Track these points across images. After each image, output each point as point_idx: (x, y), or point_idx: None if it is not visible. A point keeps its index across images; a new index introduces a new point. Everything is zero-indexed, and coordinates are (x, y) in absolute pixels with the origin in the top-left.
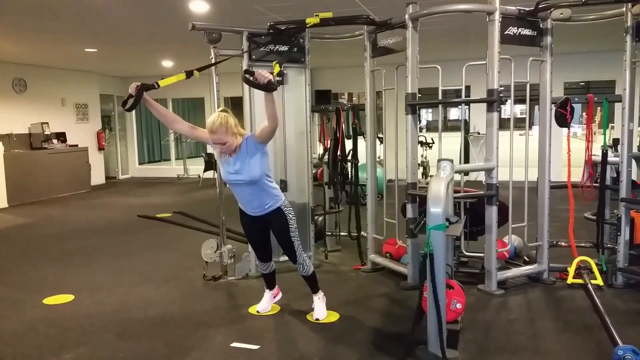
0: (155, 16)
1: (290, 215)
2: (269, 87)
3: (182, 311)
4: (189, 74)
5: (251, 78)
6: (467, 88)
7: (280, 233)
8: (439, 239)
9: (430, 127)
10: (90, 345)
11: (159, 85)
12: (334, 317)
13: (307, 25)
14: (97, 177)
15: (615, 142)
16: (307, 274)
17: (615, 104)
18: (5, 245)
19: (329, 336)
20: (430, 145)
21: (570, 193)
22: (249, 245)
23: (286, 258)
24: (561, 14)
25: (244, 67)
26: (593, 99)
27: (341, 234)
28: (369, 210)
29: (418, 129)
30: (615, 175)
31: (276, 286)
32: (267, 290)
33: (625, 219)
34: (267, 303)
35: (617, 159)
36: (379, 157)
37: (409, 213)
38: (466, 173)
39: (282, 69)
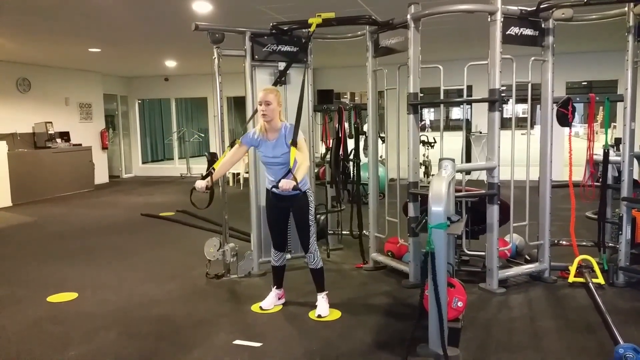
0: (158, 16)
1: (311, 199)
2: (298, 192)
3: (185, 309)
4: (232, 144)
5: (277, 191)
6: (469, 88)
7: (300, 214)
8: (440, 237)
9: (432, 126)
10: (94, 343)
11: (214, 169)
12: (336, 315)
13: (311, 29)
14: (101, 176)
15: (617, 141)
16: (316, 267)
17: (617, 103)
18: (9, 243)
19: (331, 334)
20: (432, 144)
21: (571, 192)
22: (252, 244)
23: (289, 256)
24: (563, 14)
25: (247, 69)
26: (595, 98)
27: (343, 232)
28: (370, 209)
29: (424, 129)
30: (616, 175)
31: (282, 288)
32: (274, 288)
33: (627, 218)
34: (271, 301)
35: (618, 158)
36: (380, 157)
37: (411, 212)
38: (468, 172)
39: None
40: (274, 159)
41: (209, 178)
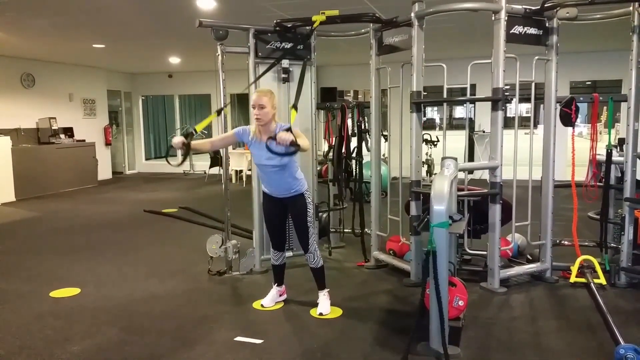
0: (162, 13)
1: (309, 200)
2: (294, 149)
3: (187, 305)
4: (219, 112)
5: (274, 143)
6: (473, 86)
7: (298, 216)
8: (442, 236)
9: (436, 125)
10: (96, 338)
11: (196, 131)
12: (338, 312)
13: (314, 26)
14: (104, 172)
15: (620, 141)
16: (316, 266)
17: (621, 103)
18: (12, 238)
19: (332, 331)
20: (435, 143)
21: (574, 192)
22: (254, 241)
23: (292, 254)
24: (567, 13)
25: (250, 66)
26: (598, 98)
27: (345, 230)
28: (372, 208)
29: (433, 127)
30: (619, 175)
31: (283, 285)
32: (274, 286)
33: (629, 218)
34: (272, 298)
35: (621, 158)
36: (383, 155)
37: (413, 211)
38: (470, 171)
39: (297, 109)
40: (267, 160)
41: (189, 137)
